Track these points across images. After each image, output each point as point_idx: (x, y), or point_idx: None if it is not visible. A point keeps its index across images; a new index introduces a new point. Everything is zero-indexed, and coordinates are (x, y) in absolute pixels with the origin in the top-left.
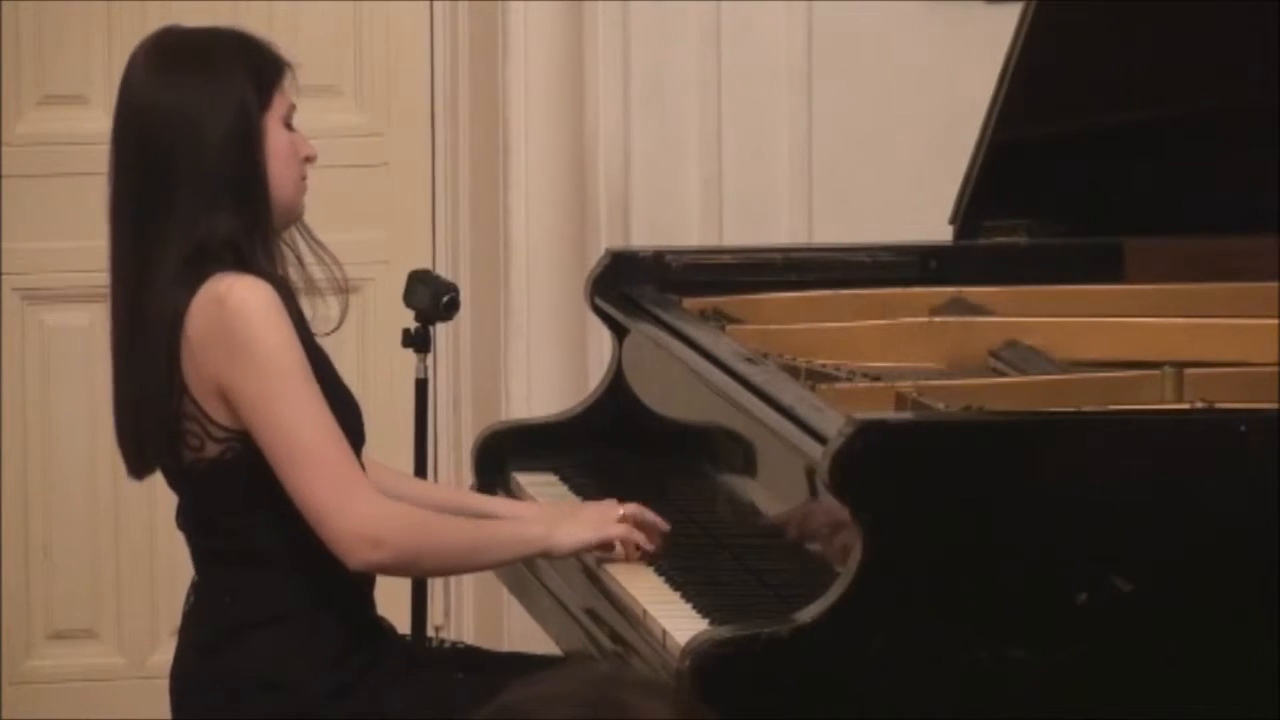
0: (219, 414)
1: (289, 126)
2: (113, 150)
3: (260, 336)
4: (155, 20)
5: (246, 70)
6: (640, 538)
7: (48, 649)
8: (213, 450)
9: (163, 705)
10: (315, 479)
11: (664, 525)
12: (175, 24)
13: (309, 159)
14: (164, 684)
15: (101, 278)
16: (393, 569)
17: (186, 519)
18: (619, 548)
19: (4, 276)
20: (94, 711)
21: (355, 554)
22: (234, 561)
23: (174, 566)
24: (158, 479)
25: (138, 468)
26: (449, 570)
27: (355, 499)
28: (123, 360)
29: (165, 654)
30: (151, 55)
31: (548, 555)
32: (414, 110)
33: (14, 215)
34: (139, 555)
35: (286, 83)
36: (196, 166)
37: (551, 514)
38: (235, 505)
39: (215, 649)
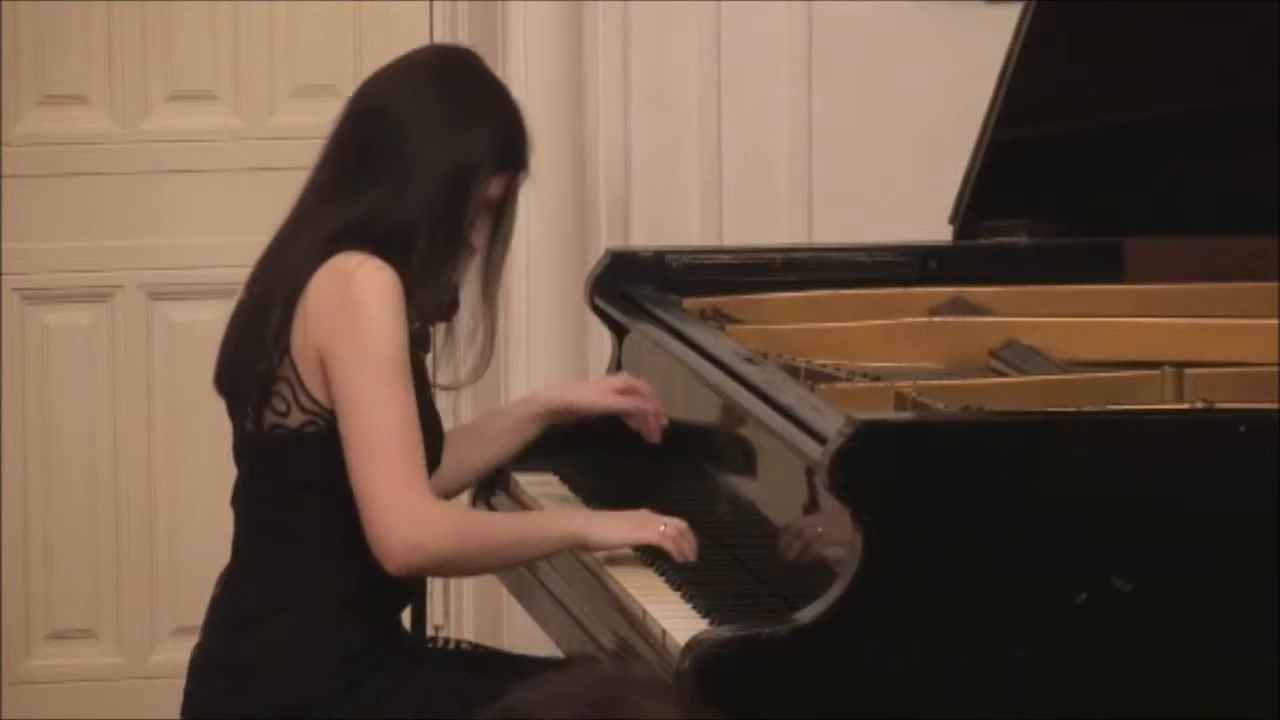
0: (314, 384)
1: (482, 207)
2: (346, 114)
3: (374, 316)
4: (155, 20)
5: (501, 140)
6: (685, 546)
7: (48, 649)
8: (296, 419)
9: (163, 705)
10: (381, 469)
11: (693, 555)
12: (477, 54)
13: (470, 247)
14: (164, 684)
15: (101, 277)
16: (428, 572)
17: (244, 491)
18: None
19: (4, 276)
20: (94, 711)
21: (394, 555)
22: (278, 541)
23: (174, 566)
24: (164, 483)
25: (221, 386)
26: (486, 571)
27: (411, 500)
28: (248, 293)
29: (165, 654)
30: (430, 68)
31: (584, 546)
32: None
33: (14, 215)
34: (139, 555)
35: (515, 180)
36: (405, 173)
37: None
38: (300, 480)
39: (239, 630)
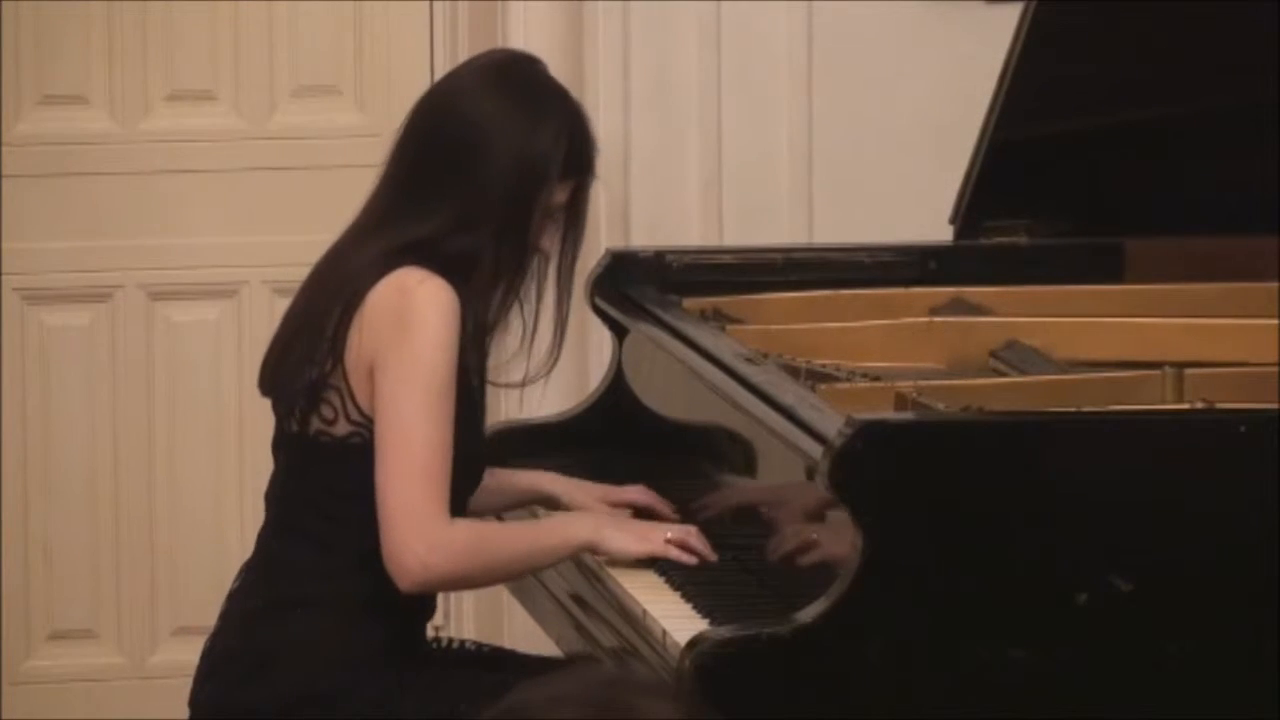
0: (363, 396)
1: (547, 214)
2: (411, 120)
3: (429, 333)
4: (156, 20)
5: (567, 142)
6: (694, 547)
7: (48, 649)
8: (342, 429)
9: (163, 705)
10: (406, 486)
11: (710, 556)
12: (540, 61)
13: (540, 250)
14: (164, 684)
15: (101, 277)
16: (440, 589)
17: (279, 487)
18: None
19: (4, 276)
20: (94, 711)
21: (406, 573)
22: (307, 542)
23: (174, 566)
24: (164, 483)
25: (265, 387)
26: (496, 583)
27: (429, 522)
28: (304, 296)
29: (165, 654)
30: (497, 69)
31: (594, 553)
32: None
33: (14, 215)
34: (139, 555)
35: (583, 184)
36: (472, 183)
37: (595, 511)
38: (337, 488)
39: (255, 622)
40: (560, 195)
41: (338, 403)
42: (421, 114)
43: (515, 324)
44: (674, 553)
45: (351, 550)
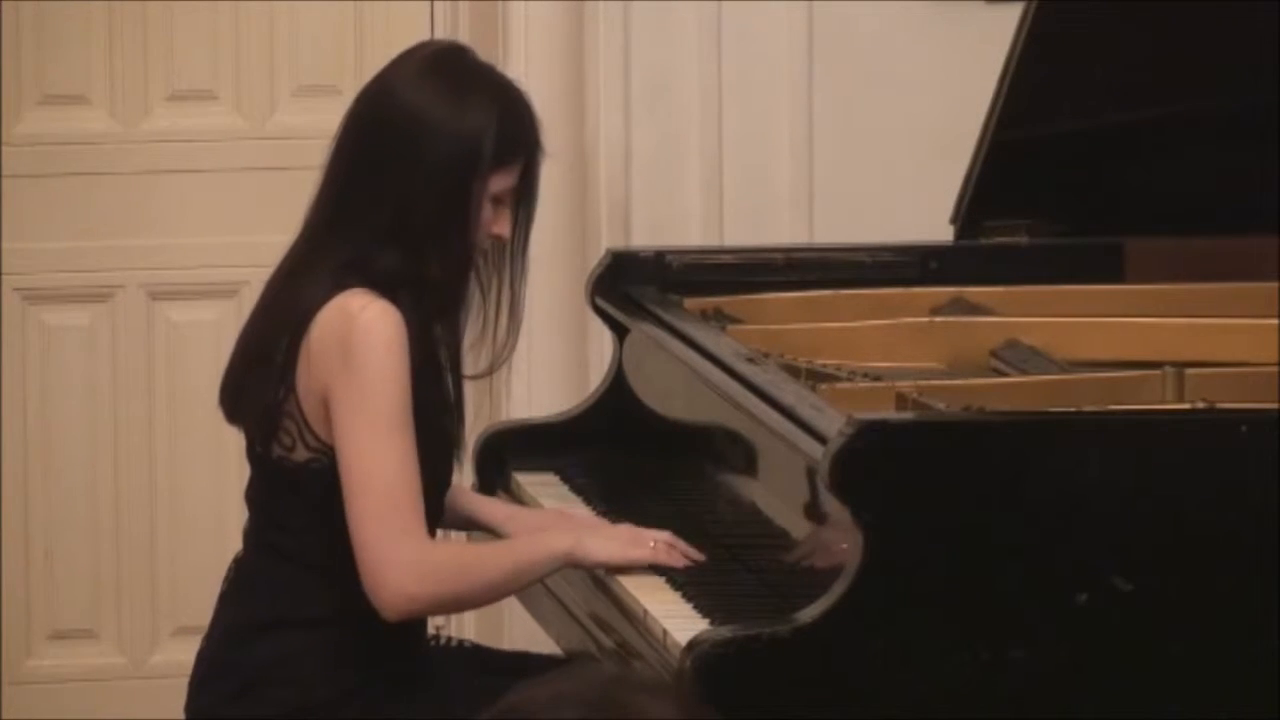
0: (318, 423)
1: (497, 200)
2: (343, 124)
3: (376, 363)
4: (155, 20)
5: (499, 124)
6: (674, 559)
7: (48, 649)
8: (301, 455)
9: (163, 705)
10: (377, 521)
11: (698, 556)
12: (468, 49)
13: (496, 236)
14: (164, 684)
15: (101, 277)
16: (426, 615)
17: (252, 498)
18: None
19: (4, 276)
20: (94, 711)
21: (390, 605)
22: (286, 556)
23: (174, 567)
24: (164, 483)
25: (226, 413)
26: (484, 603)
27: (405, 553)
28: (256, 320)
29: (165, 654)
30: (427, 61)
31: (576, 565)
32: None
33: (14, 215)
34: (139, 555)
35: (530, 164)
36: (407, 175)
37: (576, 523)
38: (305, 508)
39: (244, 638)
40: (505, 181)
41: (294, 430)
42: (354, 115)
43: (478, 311)
44: (664, 558)
45: (325, 567)
